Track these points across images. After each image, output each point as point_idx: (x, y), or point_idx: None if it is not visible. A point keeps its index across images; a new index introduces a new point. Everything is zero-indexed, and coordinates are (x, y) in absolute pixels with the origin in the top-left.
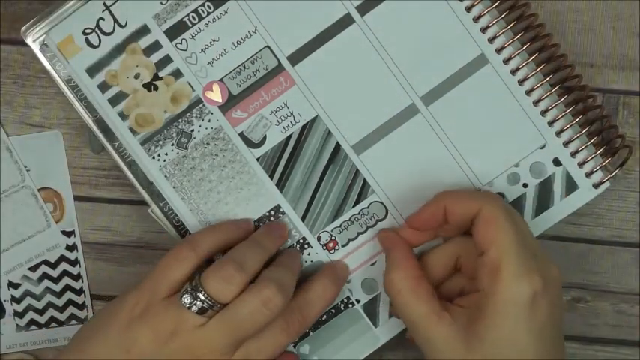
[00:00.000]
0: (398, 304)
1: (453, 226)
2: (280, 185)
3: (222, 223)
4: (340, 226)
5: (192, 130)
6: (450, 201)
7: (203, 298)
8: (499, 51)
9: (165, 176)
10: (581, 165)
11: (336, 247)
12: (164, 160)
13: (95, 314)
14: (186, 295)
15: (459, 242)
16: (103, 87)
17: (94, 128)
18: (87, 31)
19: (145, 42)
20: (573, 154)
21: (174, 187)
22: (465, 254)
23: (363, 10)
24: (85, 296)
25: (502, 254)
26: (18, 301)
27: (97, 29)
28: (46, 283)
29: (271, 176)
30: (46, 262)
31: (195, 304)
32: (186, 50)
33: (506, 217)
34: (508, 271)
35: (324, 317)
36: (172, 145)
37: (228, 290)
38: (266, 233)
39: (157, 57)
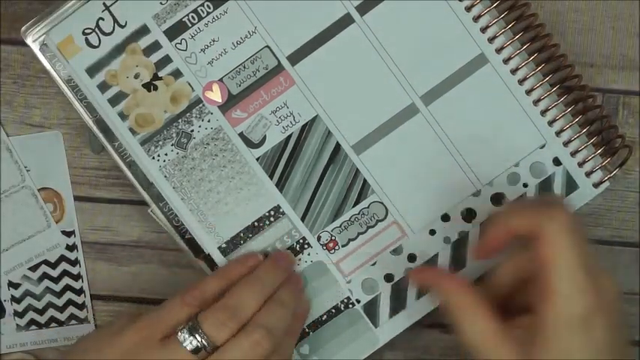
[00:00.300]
0: (459, 321)
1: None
2: (280, 185)
3: (232, 266)
4: (340, 226)
5: (192, 130)
6: (510, 221)
7: (199, 338)
8: (499, 51)
9: (165, 176)
10: (581, 165)
11: (336, 247)
12: (164, 160)
13: (91, 336)
14: (185, 331)
15: (525, 256)
16: (103, 87)
17: (94, 128)
18: (87, 31)
19: (144, 42)
20: (573, 154)
21: (173, 187)
22: (531, 267)
23: (362, 9)
24: (85, 296)
25: (554, 274)
26: (18, 301)
27: (96, 29)
28: (46, 283)
29: (271, 176)
30: (46, 262)
31: (190, 343)
32: (185, 50)
33: (564, 236)
34: (559, 291)
35: (324, 317)
36: (172, 145)
37: (224, 333)
38: (270, 268)
39: (156, 57)
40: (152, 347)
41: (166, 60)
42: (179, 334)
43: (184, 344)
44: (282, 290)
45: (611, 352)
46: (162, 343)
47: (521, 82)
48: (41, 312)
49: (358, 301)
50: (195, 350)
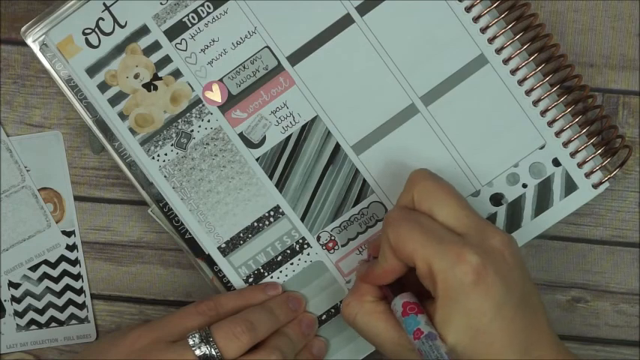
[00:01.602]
0: (358, 326)
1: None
2: (280, 185)
3: (251, 289)
4: (340, 227)
5: (192, 131)
6: (371, 250)
7: (209, 346)
8: (499, 51)
9: (165, 176)
10: (580, 165)
11: (336, 247)
12: (164, 161)
13: (97, 340)
14: (196, 337)
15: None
16: (103, 87)
17: (94, 128)
18: (86, 31)
19: (144, 42)
20: (573, 154)
21: (173, 188)
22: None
23: (362, 10)
24: (85, 296)
25: (423, 259)
26: (18, 301)
27: (96, 29)
28: (46, 283)
29: (271, 176)
30: (46, 262)
31: (200, 348)
32: (185, 50)
33: (405, 228)
34: (438, 268)
35: (324, 317)
36: (172, 145)
37: (235, 345)
38: (283, 304)
39: (156, 57)
40: (160, 348)
41: (166, 60)
42: (189, 338)
43: (193, 349)
44: (293, 328)
45: (511, 300)
46: (171, 343)
47: (520, 82)
48: (41, 312)
49: None
50: (203, 357)
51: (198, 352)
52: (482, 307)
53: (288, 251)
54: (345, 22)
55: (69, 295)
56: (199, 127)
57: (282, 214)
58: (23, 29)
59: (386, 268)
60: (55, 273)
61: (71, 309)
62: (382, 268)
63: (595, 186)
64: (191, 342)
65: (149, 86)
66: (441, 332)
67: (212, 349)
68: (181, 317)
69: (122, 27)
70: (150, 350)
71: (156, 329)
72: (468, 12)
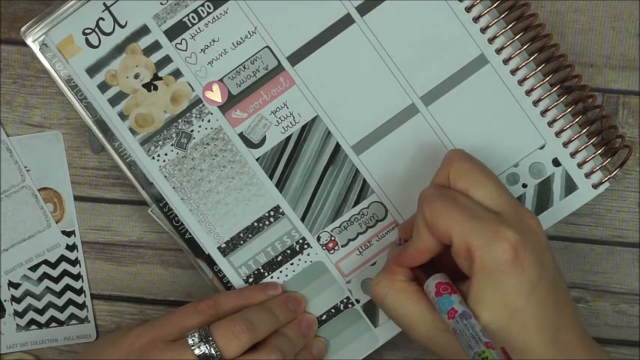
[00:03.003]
0: (387, 305)
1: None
2: (280, 185)
3: (251, 289)
4: (340, 227)
5: (192, 131)
6: (401, 233)
7: (209, 345)
8: (499, 51)
9: (165, 176)
10: (580, 165)
11: (336, 248)
12: (164, 161)
13: (97, 340)
14: (195, 336)
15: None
16: (103, 87)
17: (94, 128)
18: (87, 31)
19: (144, 42)
20: (573, 155)
21: (173, 188)
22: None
23: (363, 10)
24: (85, 296)
25: (460, 236)
26: (18, 301)
27: (96, 29)
28: (46, 283)
29: (271, 176)
30: (46, 262)
31: (199, 347)
32: (186, 50)
33: (442, 205)
34: (476, 244)
35: (324, 317)
36: (172, 145)
37: (235, 345)
38: (282, 304)
39: (156, 57)
40: (159, 347)
41: (166, 60)
42: (189, 337)
43: (192, 348)
44: (292, 329)
45: (545, 281)
46: (170, 343)
47: (521, 82)
48: (41, 312)
49: (358, 301)
50: (203, 357)
51: (197, 352)
52: (518, 287)
53: (288, 251)
54: (346, 22)
55: (69, 295)
56: (199, 127)
57: (283, 214)
58: (23, 29)
59: (420, 247)
60: (55, 273)
61: (71, 309)
62: (416, 248)
63: (595, 186)
64: (190, 341)
65: (149, 86)
66: (475, 311)
67: (211, 349)
68: (180, 316)
69: (122, 27)
70: (149, 350)
71: (155, 328)
72: (468, 12)
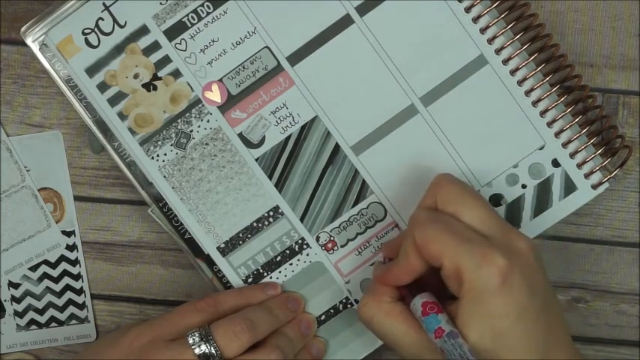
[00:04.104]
0: (375, 327)
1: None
2: (279, 186)
3: (251, 289)
4: (339, 227)
5: (192, 131)
6: (386, 252)
7: (209, 344)
8: (498, 51)
9: (164, 176)
10: (580, 166)
11: (335, 248)
12: (163, 161)
13: (97, 340)
14: (195, 335)
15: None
16: (102, 87)
17: (94, 128)
18: (86, 31)
19: (144, 42)
20: (572, 155)
21: (173, 188)
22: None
23: (362, 10)
24: (85, 296)
25: (451, 259)
26: (18, 301)
27: (96, 29)
28: (46, 283)
29: (270, 177)
30: (46, 262)
31: (199, 347)
32: (185, 50)
33: (434, 228)
34: (466, 268)
35: (323, 318)
36: (171, 145)
37: (235, 344)
38: (282, 304)
39: (156, 57)
40: (159, 347)
41: (166, 60)
42: (189, 337)
43: (193, 348)
44: (292, 328)
45: (534, 304)
46: (170, 342)
47: (520, 82)
48: (41, 312)
49: (357, 302)
50: (203, 356)
51: (197, 351)
52: (505, 310)
53: (288, 251)
54: (345, 22)
55: (69, 295)
56: (199, 127)
57: (282, 214)
58: (23, 29)
59: (406, 267)
60: (55, 273)
61: (71, 309)
62: (402, 268)
63: (594, 186)
64: (190, 340)
65: (149, 86)
66: (463, 332)
67: (211, 348)
68: (180, 315)
69: (122, 27)
70: (149, 349)
71: (154, 328)
72: (467, 12)
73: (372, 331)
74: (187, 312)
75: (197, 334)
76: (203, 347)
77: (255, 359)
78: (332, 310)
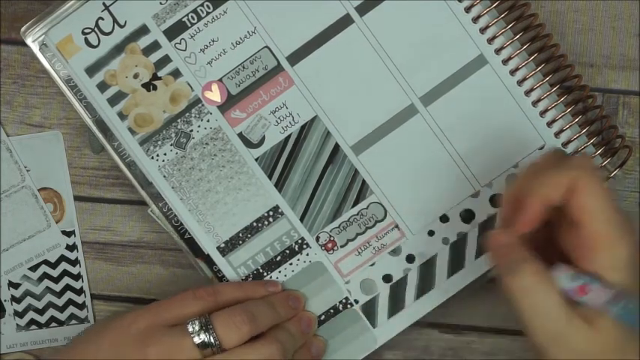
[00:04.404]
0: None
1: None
2: (279, 185)
3: (251, 283)
4: (339, 227)
5: (191, 130)
6: (545, 193)
7: (209, 334)
8: (498, 51)
9: (164, 176)
10: None
11: (335, 248)
12: (163, 160)
13: (93, 324)
14: (196, 323)
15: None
16: (102, 87)
17: (94, 128)
18: (86, 30)
19: (144, 42)
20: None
21: (172, 187)
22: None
23: (362, 10)
24: (85, 296)
25: (597, 221)
26: (18, 301)
27: (96, 29)
28: (46, 283)
29: (270, 176)
30: (46, 262)
31: (199, 335)
32: (185, 50)
33: (599, 186)
34: (605, 236)
35: (323, 318)
36: (171, 145)
37: (235, 335)
38: (283, 300)
39: (156, 57)
40: (157, 332)
41: (166, 60)
42: (189, 325)
43: (192, 336)
44: (294, 324)
45: None
46: (168, 328)
47: (520, 82)
48: (41, 312)
49: (356, 302)
50: (202, 345)
51: (196, 339)
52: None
53: (287, 251)
54: (345, 22)
55: (69, 295)
56: (199, 127)
57: (282, 214)
58: (23, 29)
59: (542, 195)
60: (55, 273)
61: (71, 309)
62: (539, 194)
63: None
64: (190, 328)
65: (148, 86)
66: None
67: (211, 337)
68: (179, 302)
69: (122, 27)
70: (146, 334)
71: (152, 313)
72: (467, 12)
73: (516, 305)
74: (186, 299)
75: (197, 323)
76: (202, 336)
77: (254, 350)
78: (331, 310)
